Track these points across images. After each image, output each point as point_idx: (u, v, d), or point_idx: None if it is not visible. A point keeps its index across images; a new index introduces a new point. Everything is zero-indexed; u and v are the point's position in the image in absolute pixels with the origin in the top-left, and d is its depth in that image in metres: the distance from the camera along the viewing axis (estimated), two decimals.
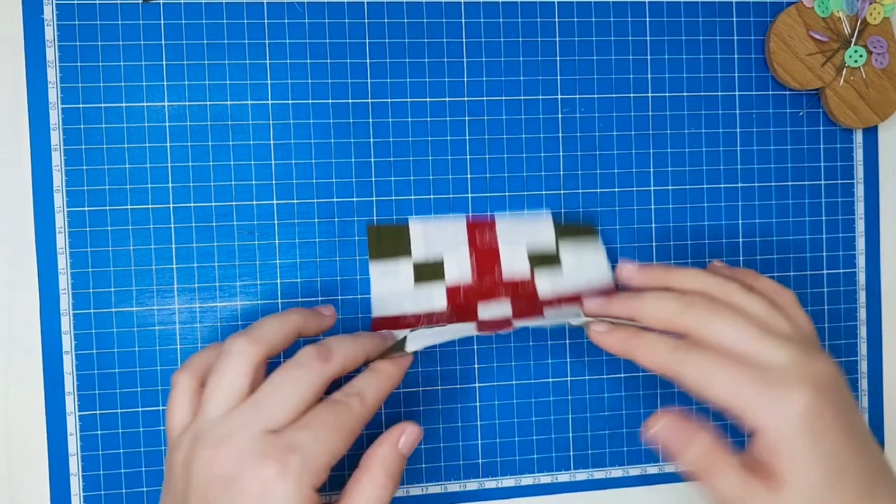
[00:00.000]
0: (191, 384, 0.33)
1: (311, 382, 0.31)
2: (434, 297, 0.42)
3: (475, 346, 0.44)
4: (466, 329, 0.38)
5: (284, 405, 0.30)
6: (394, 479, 0.32)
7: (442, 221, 0.42)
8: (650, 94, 0.44)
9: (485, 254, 0.42)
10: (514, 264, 0.42)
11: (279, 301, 0.42)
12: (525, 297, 0.42)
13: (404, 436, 0.33)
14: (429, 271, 0.42)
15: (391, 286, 0.42)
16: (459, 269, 0.42)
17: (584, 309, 0.37)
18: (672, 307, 0.33)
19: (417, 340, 0.36)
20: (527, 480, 0.44)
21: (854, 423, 0.31)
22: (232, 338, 0.32)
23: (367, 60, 0.42)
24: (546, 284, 0.42)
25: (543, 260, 0.42)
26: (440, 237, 0.42)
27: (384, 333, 0.36)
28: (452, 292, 0.42)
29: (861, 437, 0.31)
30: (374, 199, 0.42)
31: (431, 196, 0.43)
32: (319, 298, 0.42)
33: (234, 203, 0.41)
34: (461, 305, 0.42)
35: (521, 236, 0.43)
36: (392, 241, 0.42)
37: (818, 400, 0.30)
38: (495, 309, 0.41)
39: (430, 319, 0.41)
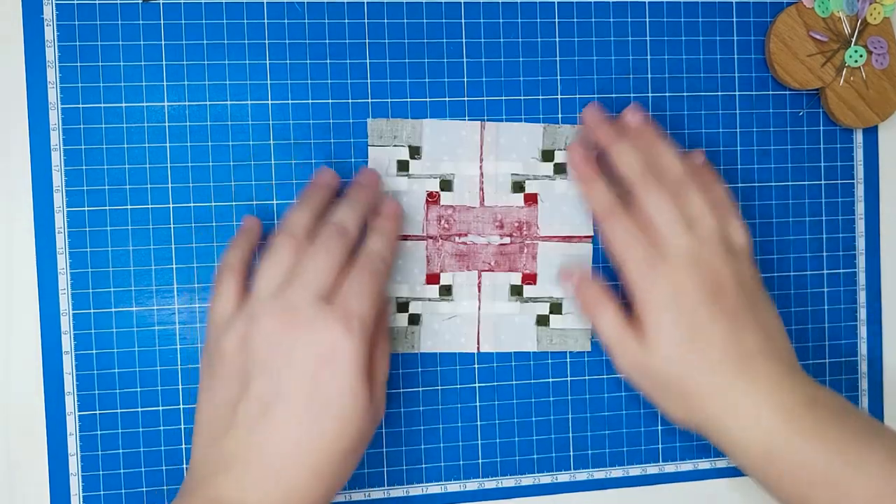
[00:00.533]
0: (235, 277, 0.37)
1: (341, 253, 0.35)
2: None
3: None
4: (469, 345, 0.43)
5: (327, 275, 0.34)
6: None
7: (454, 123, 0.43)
8: (650, 95, 0.44)
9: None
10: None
11: None
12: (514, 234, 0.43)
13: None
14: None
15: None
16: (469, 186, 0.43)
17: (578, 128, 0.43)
18: (634, 167, 0.39)
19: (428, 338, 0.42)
20: (527, 480, 0.44)
21: (737, 309, 0.37)
22: (277, 236, 0.36)
23: (367, 61, 0.42)
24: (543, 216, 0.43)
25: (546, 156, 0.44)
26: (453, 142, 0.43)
27: (373, 182, 0.40)
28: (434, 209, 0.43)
29: (741, 319, 0.37)
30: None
31: None
32: None
33: (233, 203, 0.41)
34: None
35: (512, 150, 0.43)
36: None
37: (690, 281, 0.37)
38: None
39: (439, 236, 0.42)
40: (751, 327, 0.37)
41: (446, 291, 0.43)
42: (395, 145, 0.42)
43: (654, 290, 0.37)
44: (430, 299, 0.43)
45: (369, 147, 0.42)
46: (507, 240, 0.43)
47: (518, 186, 0.43)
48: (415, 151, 0.42)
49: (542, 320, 0.43)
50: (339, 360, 0.33)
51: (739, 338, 0.37)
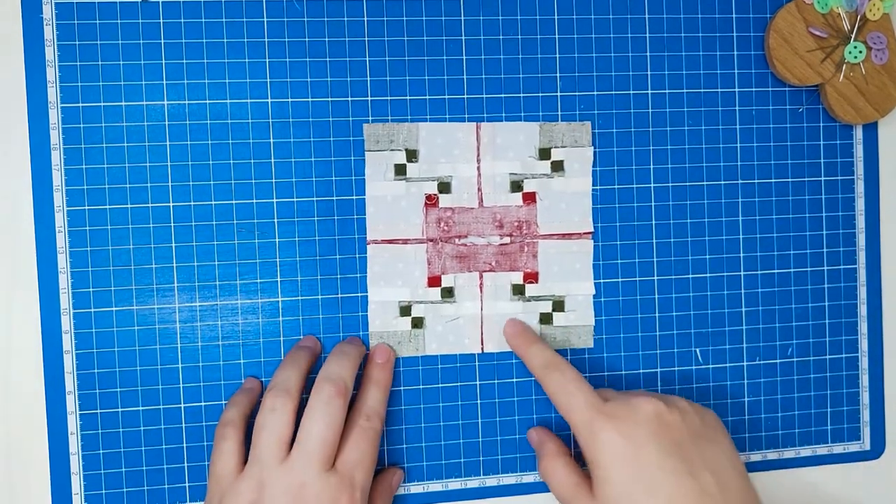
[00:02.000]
0: (236, 434, 0.37)
1: (339, 416, 0.36)
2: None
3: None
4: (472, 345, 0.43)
5: (329, 444, 0.35)
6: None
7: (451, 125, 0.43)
8: (649, 92, 0.44)
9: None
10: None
11: (279, 299, 0.42)
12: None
13: (395, 477, 0.42)
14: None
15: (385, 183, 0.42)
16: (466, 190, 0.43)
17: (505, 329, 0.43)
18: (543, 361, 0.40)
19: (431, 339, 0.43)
20: (528, 478, 0.44)
21: (683, 461, 0.36)
22: (270, 395, 0.36)
23: (367, 58, 0.42)
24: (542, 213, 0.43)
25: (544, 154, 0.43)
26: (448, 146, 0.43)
27: (357, 342, 0.42)
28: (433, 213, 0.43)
29: (692, 474, 0.35)
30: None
31: None
32: (320, 297, 0.42)
33: (233, 202, 0.41)
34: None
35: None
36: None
37: (623, 425, 0.36)
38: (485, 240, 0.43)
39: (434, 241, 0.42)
40: (701, 468, 0.36)
41: (448, 293, 0.43)
42: (391, 149, 0.42)
43: (599, 433, 0.37)
44: (432, 302, 0.43)
45: (366, 152, 0.42)
46: (507, 239, 0.43)
47: (516, 186, 0.43)
48: (412, 155, 0.42)
49: (546, 318, 0.43)
50: None
51: (691, 478, 0.35)
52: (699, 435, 0.37)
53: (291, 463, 0.35)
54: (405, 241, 0.42)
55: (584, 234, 0.44)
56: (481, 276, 0.43)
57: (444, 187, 0.42)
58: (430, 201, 0.42)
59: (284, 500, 0.34)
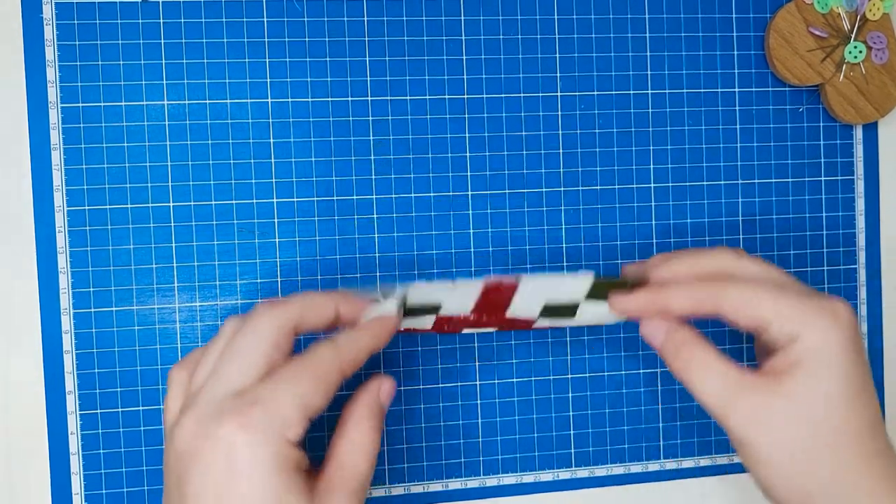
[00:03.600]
0: (182, 377, 0.32)
1: (270, 336, 0.30)
2: (424, 322, 0.37)
3: (476, 344, 0.44)
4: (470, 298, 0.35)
5: (249, 365, 0.29)
6: (378, 429, 0.31)
7: (460, 288, 0.35)
8: (650, 91, 0.44)
9: (492, 302, 0.36)
10: (522, 311, 0.36)
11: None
12: (516, 326, 0.37)
13: (383, 386, 0.33)
14: (419, 310, 0.36)
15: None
16: (460, 307, 0.36)
17: (610, 305, 0.35)
18: (698, 287, 0.32)
19: (418, 294, 0.35)
20: (528, 478, 0.44)
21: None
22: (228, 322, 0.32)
23: (367, 58, 0.42)
24: (545, 323, 0.37)
25: (555, 312, 0.36)
26: (446, 297, 0.36)
27: (356, 294, 0.34)
28: (441, 320, 0.37)
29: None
30: (374, 197, 0.42)
31: (431, 194, 0.43)
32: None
33: (234, 202, 0.41)
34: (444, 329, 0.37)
35: (545, 292, 0.35)
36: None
37: (854, 339, 0.31)
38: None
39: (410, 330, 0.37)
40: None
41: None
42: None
43: (825, 324, 0.31)
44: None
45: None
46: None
47: None
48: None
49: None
50: (240, 465, 0.27)
51: (873, 402, 0.32)
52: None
53: (200, 392, 0.30)
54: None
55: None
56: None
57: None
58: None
59: (177, 434, 0.29)
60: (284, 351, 0.30)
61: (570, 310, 0.36)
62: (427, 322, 0.36)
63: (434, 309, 0.36)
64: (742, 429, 0.30)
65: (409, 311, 0.35)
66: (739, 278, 0.33)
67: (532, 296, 0.35)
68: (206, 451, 0.27)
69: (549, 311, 0.36)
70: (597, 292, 0.35)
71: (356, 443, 0.30)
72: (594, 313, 0.35)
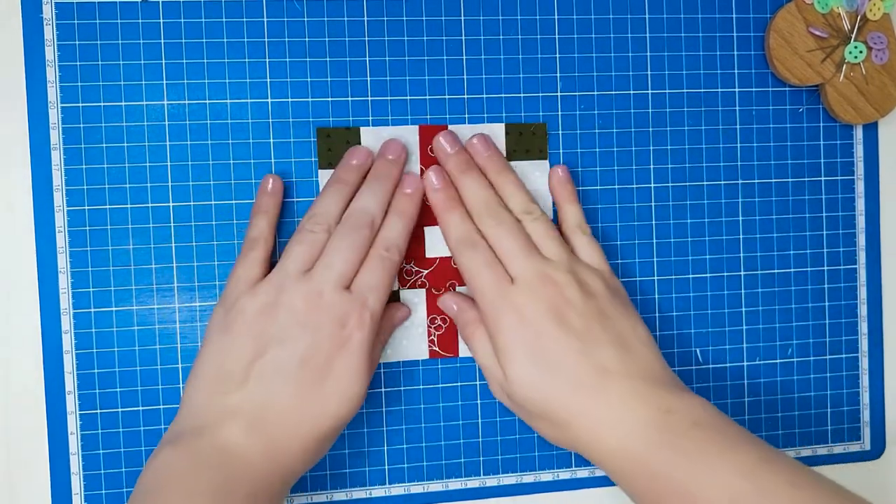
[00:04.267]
0: (264, 246, 0.39)
1: (364, 245, 0.38)
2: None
3: None
4: (420, 352, 0.43)
5: (349, 264, 0.38)
6: (385, 344, 0.42)
7: (394, 127, 0.42)
8: (650, 91, 0.44)
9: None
10: None
11: None
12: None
13: (398, 313, 0.42)
14: None
15: None
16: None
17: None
18: (479, 200, 0.40)
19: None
20: (528, 478, 0.44)
21: (586, 326, 0.37)
22: (311, 221, 0.39)
23: (367, 58, 0.42)
24: None
25: None
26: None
27: (398, 155, 0.41)
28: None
29: (591, 336, 0.37)
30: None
31: None
32: None
33: (234, 202, 0.41)
34: None
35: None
36: (343, 147, 0.41)
37: (532, 306, 0.37)
38: (441, 241, 0.42)
39: None
40: (603, 343, 0.37)
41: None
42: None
43: (502, 318, 0.38)
44: None
45: (319, 170, 0.42)
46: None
47: None
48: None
49: None
50: (352, 346, 0.37)
51: (590, 355, 0.37)
52: (601, 311, 0.38)
53: (312, 274, 0.37)
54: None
55: None
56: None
57: None
58: None
59: (300, 305, 0.36)
60: None
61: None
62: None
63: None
64: (500, 401, 0.41)
65: None
66: (488, 239, 0.40)
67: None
68: (327, 329, 0.36)
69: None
70: (516, 144, 0.43)
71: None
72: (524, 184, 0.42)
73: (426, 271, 0.42)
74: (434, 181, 0.41)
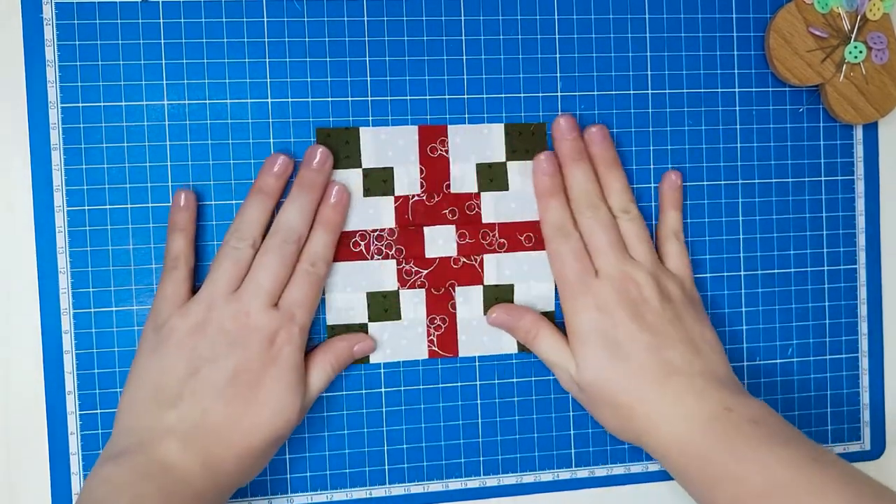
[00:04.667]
0: (187, 267, 0.39)
1: (290, 260, 0.39)
2: (382, 212, 0.42)
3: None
4: (420, 352, 0.43)
5: (276, 282, 0.38)
6: (338, 369, 0.41)
7: (394, 127, 0.42)
8: (650, 91, 0.44)
9: (435, 168, 0.42)
10: (463, 184, 0.43)
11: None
12: (469, 224, 0.43)
13: (359, 344, 0.42)
14: (378, 181, 0.42)
15: None
16: (409, 179, 0.42)
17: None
18: (583, 190, 0.42)
19: (377, 351, 0.43)
20: (528, 478, 0.44)
21: (659, 325, 0.39)
22: (235, 237, 0.39)
23: (367, 58, 0.42)
24: (490, 206, 0.43)
25: (491, 182, 0.43)
26: (391, 143, 0.42)
27: (323, 165, 0.40)
28: (401, 207, 0.42)
29: (663, 335, 0.39)
30: None
31: None
32: (319, 296, 0.42)
33: (234, 202, 0.41)
34: (408, 223, 0.42)
35: (472, 152, 0.43)
36: (342, 147, 0.42)
37: (612, 300, 0.39)
38: (441, 241, 0.42)
39: (380, 239, 0.42)
40: (673, 342, 0.39)
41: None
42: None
43: (581, 309, 0.40)
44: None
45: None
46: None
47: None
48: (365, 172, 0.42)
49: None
50: (281, 362, 0.38)
51: (660, 352, 0.39)
52: (675, 315, 0.40)
53: (240, 293, 0.38)
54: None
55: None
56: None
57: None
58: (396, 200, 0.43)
59: (229, 324, 0.37)
60: None
61: (502, 175, 0.43)
62: (387, 213, 0.42)
63: (388, 177, 0.42)
64: (567, 390, 0.42)
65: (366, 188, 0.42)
66: (581, 227, 0.42)
67: (463, 151, 0.43)
68: (254, 345, 0.37)
69: (485, 175, 0.43)
70: (516, 143, 0.43)
71: (318, 368, 0.41)
72: (523, 187, 0.43)
73: (425, 271, 0.42)
74: (545, 166, 0.42)
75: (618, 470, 0.45)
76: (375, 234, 0.42)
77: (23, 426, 0.41)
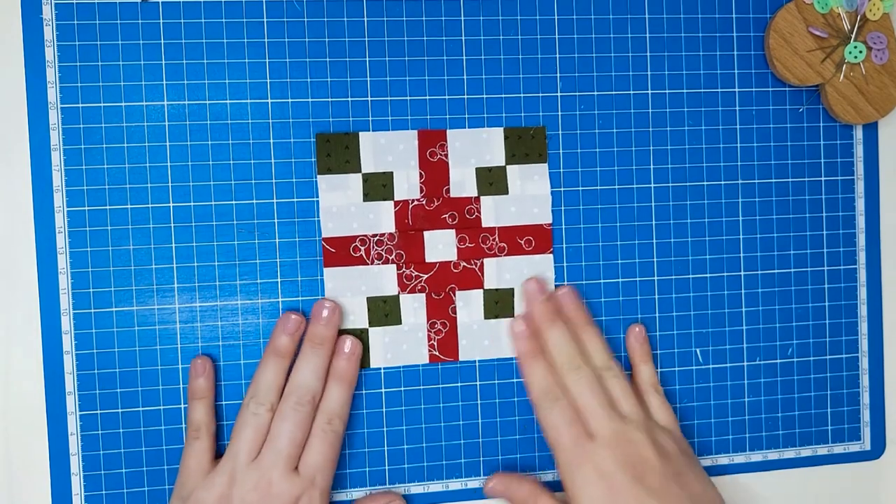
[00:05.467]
0: (209, 435, 0.40)
1: (307, 421, 0.40)
2: (382, 217, 0.42)
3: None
4: (420, 356, 0.43)
5: (294, 446, 0.39)
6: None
7: (393, 132, 0.42)
8: (650, 91, 0.44)
9: (434, 172, 0.42)
10: (462, 188, 0.43)
11: (279, 300, 0.42)
12: (469, 228, 0.43)
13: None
14: (377, 186, 0.42)
15: (340, 200, 0.42)
16: (408, 184, 0.42)
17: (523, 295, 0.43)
18: (563, 353, 0.41)
19: (378, 356, 0.43)
20: None
21: (663, 485, 0.38)
22: (254, 401, 0.39)
23: (367, 59, 0.42)
24: (490, 210, 0.43)
25: (491, 186, 0.43)
26: (391, 148, 0.42)
27: (332, 318, 0.41)
28: (401, 212, 0.42)
29: (668, 495, 0.38)
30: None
31: None
32: (320, 297, 0.42)
33: (234, 202, 0.41)
34: (408, 228, 0.42)
35: (471, 155, 0.43)
36: (341, 152, 0.42)
37: (613, 464, 0.38)
38: (441, 246, 0.42)
39: (380, 243, 0.42)
40: (679, 501, 0.38)
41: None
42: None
43: (583, 483, 0.39)
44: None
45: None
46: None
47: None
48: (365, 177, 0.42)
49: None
50: None
51: None
52: (676, 472, 0.39)
53: (260, 461, 0.38)
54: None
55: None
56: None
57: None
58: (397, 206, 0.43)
59: (252, 496, 0.38)
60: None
61: (501, 179, 0.43)
62: (387, 217, 0.42)
63: (388, 182, 0.42)
64: None
65: (366, 192, 0.42)
66: (569, 393, 0.41)
67: (463, 156, 0.42)
68: None
69: (484, 179, 0.43)
70: (515, 148, 0.43)
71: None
72: (523, 191, 0.43)
73: (426, 276, 0.42)
74: (521, 329, 0.42)
75: None
76: (375, 238, 0.42)
77: (23, 427, 0.41)
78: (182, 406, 0.41)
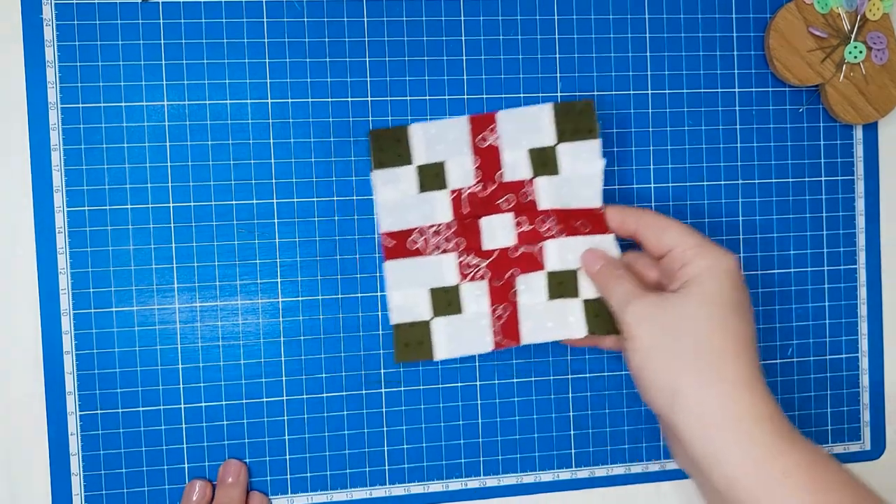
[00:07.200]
0: None
1: None
2: (437, 207, 0.42)
3: None
4: (484, 344, 0.41)
5: None
6: None
7: (443, 121, 0.41)
8: (650, 92, 0.44)
9: (487, 158, 0.41)
10: (515, 171, 0.41)
11: (279, 300, 0.42)
12: (526, 211, 0.41)
13: None
14: (431, 176, 0.41)
15: (395, 193, 0.41)
16: (462, 172, 0.41)
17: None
18: (625, 208, 0.40)
19: (442, 347, 0.41)
20: (528, 478, 0.44)
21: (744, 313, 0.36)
22: None
23: (367, 59, 0.42)
24: (544, 191, 0.41)
25: (544, 166, 0.41)
26: (441, 137, 0.41)
27: (233, 497, 0.42)
28: (456, 200, 0.42)
29: (742, 327, 0.36)
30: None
31: None
32: (320, 297, 0.42)
33: (234, 202, 0.41)
34: (464, 217, 0.42)
35: (522, 137, 0.41)
36: (393, 146, 0.41)
37: (737, 273, 0.36)
38: (499, 231, 0.41)
39: (437, 234, 0.41)
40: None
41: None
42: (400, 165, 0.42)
43: (710, 259, 0.37)
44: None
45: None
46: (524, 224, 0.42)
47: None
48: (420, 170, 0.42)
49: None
50: None
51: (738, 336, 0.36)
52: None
53: None
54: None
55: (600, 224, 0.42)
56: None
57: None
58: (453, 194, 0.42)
59: None
60: None
61: (552, 159, 0.41)
62: (442, 207, 0.42)
63: (440, 171, 0.41)
64: (632, 325, 0.36)
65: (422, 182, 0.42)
66: (657, 212, 0.40)
67: (514, 137, 0.41)
68: None
69: (537, 161, 0.41)
70: (564, 124, 0.41)
71: None
72: (573, 170, 0.41)
73: (485, 262, 0.42)
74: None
75: (618, 470, 0.45)
76: (433, 229, 0.42)
77: (23, 427, 0.41)
78: (182, 406, 0.41)
